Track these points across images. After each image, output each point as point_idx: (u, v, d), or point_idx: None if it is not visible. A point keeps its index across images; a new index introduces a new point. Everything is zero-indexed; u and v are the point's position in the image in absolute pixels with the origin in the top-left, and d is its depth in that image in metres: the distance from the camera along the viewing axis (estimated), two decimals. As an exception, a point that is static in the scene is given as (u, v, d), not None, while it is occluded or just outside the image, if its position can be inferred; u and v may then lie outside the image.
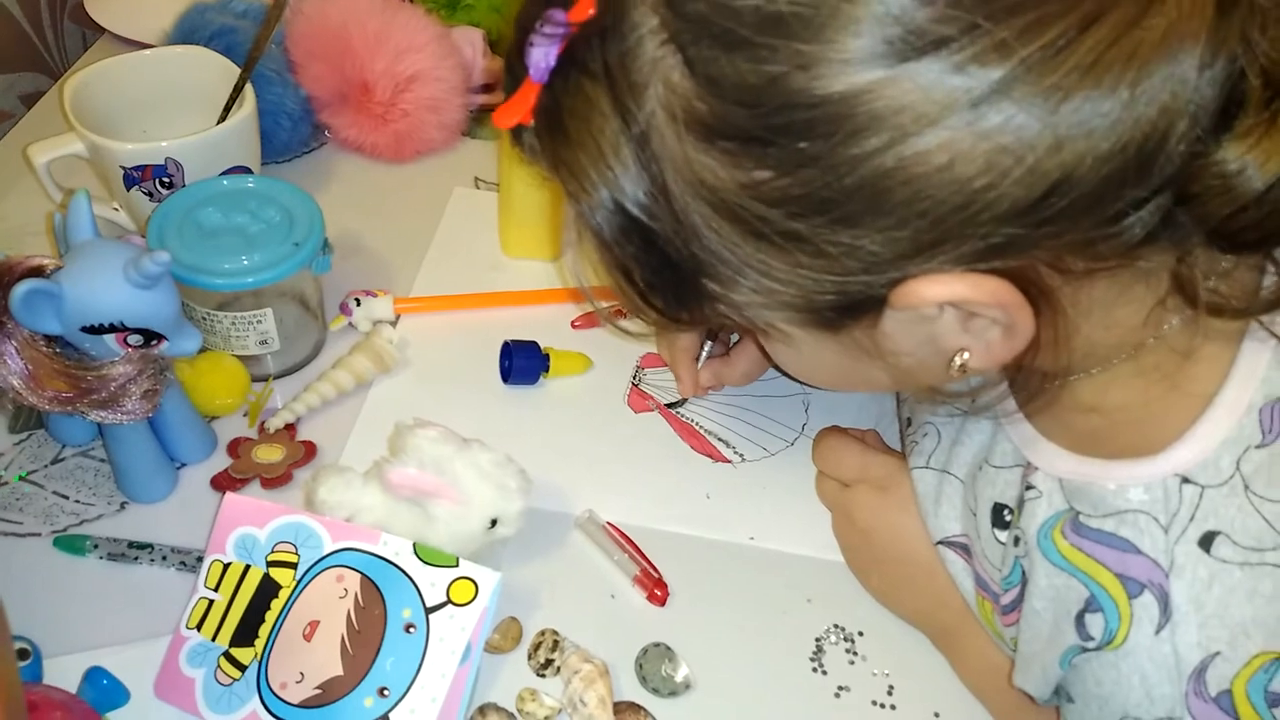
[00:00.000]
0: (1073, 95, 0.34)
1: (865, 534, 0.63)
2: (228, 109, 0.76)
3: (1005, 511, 0.53)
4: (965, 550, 0.58)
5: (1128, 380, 0.46)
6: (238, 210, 0.67)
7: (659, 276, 0.42)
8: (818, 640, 0.61)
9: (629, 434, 0.71)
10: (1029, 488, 0.51)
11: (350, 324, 0.74)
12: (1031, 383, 0.48)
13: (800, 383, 0.68)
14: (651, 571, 0.62)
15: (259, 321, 0.67)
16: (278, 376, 0.71)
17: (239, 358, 0.68)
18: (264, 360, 0.69)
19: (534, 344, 0.72)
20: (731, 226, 0.39)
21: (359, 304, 0.74)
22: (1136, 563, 0.44)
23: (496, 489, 0.57)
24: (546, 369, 0.72)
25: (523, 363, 0.71)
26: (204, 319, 0.66)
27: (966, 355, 0.42)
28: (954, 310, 0.40)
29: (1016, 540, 0.51)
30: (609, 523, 0.65)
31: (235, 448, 0.66)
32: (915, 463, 0.61)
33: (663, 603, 0.62)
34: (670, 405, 0.73)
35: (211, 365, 0.66)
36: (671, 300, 0.43)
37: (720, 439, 0.72)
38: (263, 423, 0.67)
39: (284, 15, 0.85)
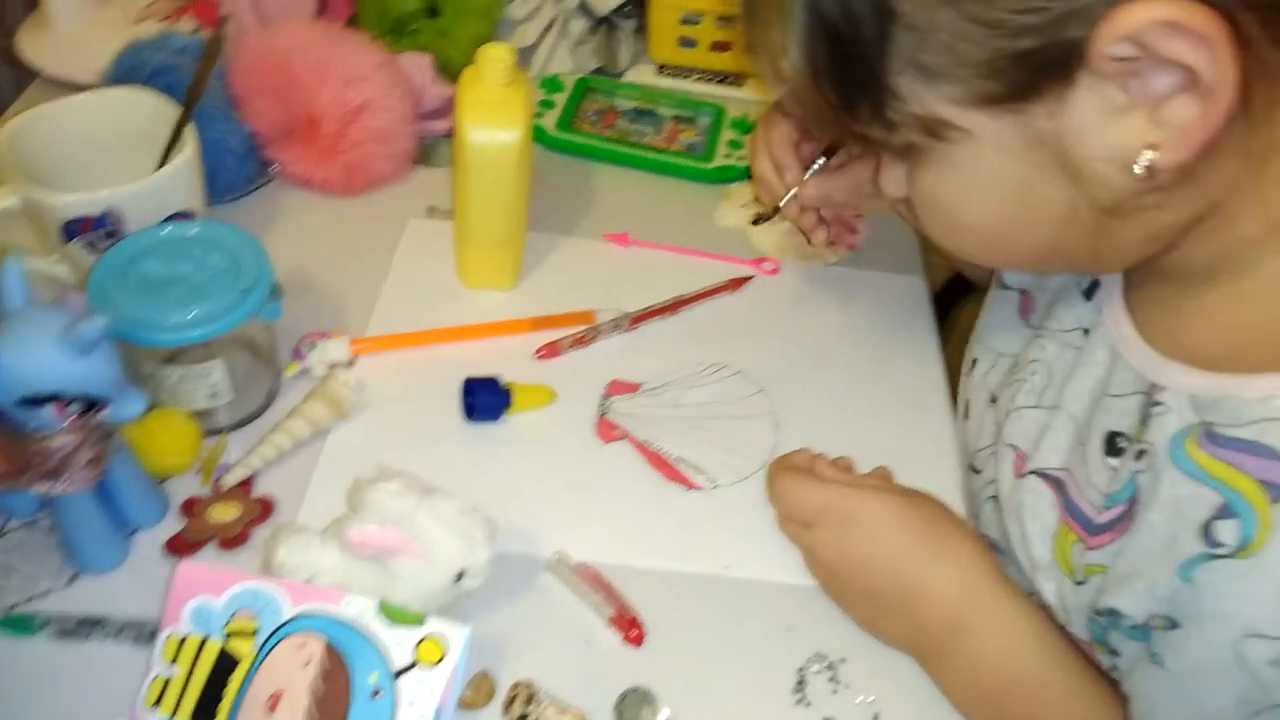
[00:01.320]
0: None
1: (834, 572, 0.62)
2: (169, 151, 0.74)
3: (1120, 439, 0.53)
4: (1057, 484, 0.57)
5: (1267, 290, 0.47)
6: (181, 259, 0.65)
7: (846, 64, 0.44)
8: (800, 671, 0.60)
9: (598, 466, 0.69)
10: (1155, 403, 0.50)
11: (305, 369, 0.72)
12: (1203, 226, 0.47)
13: (934, 246, 0.60)
14: (626, 612, 0.61)
15: (208, 374, 0.65)
16: (231, 429, 0.68)
17: (189, 413, 0.66)
18: (216, 413, 0.67)
19: (495, 380, 0.71)
20: None
21: (313, 347, 0.72)
22: (1278, 468, 0.43)
23: (462, 540, 0.55)
24: (509, 404, 0.70)
25: (484, 400, 0.70)
26: (150, 375, 0.64)
27: (1153, 155, 0.41)
28: (1142, 92, 0.40)
29: (1140, 454, 0.50)
30: (580, 563, 0.63)
31: (189, 508, 0.63)
32: (1023, 401, 0.61)
33: (639, 643, 0.60)
34: (758, 220, 0.75)
35: (160, 424, 0.64)
36: (856, 93, 0.45)
37: (691, 465, 0.70)
38: (217, 480, 0.65)
39: (224, 49, 0.83)
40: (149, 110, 0.75)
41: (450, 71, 0.94)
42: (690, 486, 0.69)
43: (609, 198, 0.91)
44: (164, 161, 0.74)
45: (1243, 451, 0.45)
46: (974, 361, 0.70)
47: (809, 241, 0.79)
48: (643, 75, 1.03)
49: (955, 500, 0.69)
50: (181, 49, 0.84)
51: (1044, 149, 0.44)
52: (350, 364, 0.73)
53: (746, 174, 0.92)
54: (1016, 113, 0.43)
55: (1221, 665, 0.45)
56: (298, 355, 0.72)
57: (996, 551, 0.65)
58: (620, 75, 1.03)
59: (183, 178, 0.71)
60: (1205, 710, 0.47)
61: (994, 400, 0.66)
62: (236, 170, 0.84)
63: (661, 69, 1.03)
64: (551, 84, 0.98)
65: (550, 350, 0.76)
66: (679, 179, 0.93)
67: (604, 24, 1.02)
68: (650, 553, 0.65)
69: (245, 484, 0.65)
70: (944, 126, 0.45)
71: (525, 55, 1.01)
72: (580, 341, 0.76)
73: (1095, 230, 0.47)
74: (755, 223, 0.76)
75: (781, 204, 0.74)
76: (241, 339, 0.67)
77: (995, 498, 0.64)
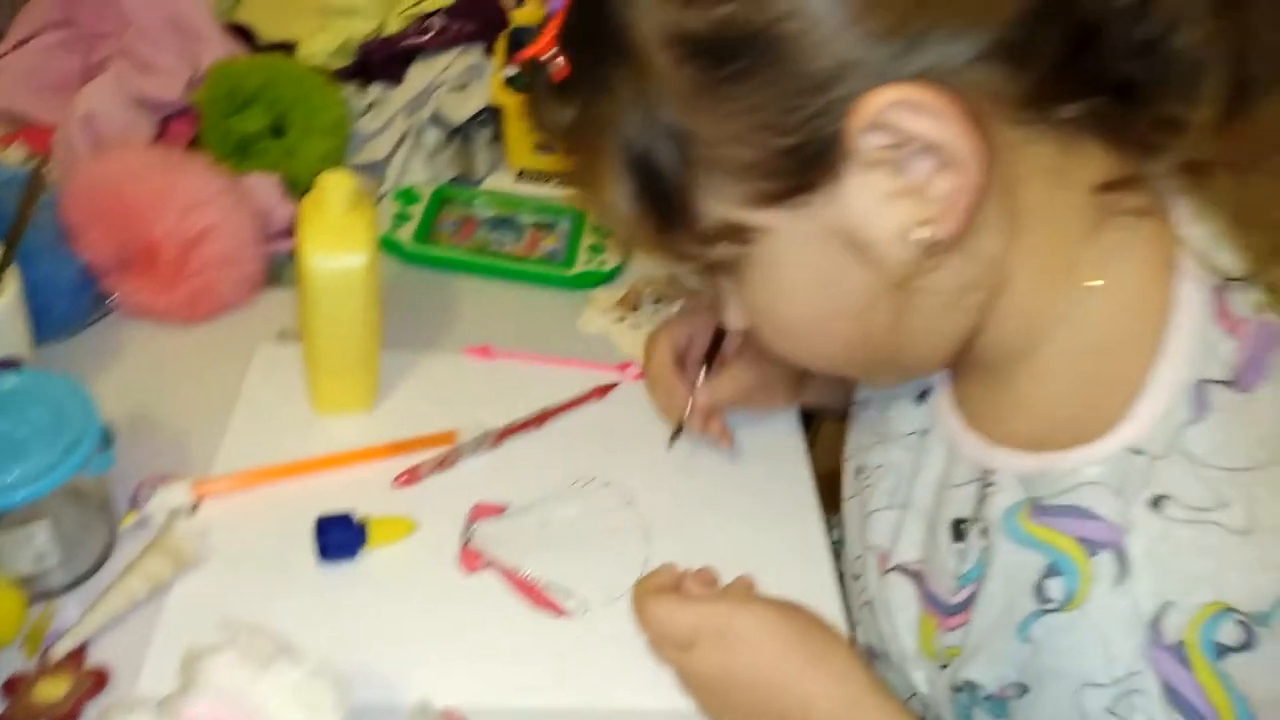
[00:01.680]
0: None
1: (714, 691, 0.61)
2: (-13, 296, 0.70)
3: (963, 524, 0.56)
4: (916, 576, 0.61)
5: (1063, 364, 0.52)
6: (-2, 415, 0.61)
7: (656, 191, 0.49)
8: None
9: (462, 600, 0.67)
10: (988, 484, 0.54)
11: (144, 518, 0.68)
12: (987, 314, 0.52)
13: (774, 357, 0.59)
14: (495, 760, 0.58)
15: (32, 538, 0.60)
16: (64, 590, 0.64)
17: (13, 579, 0.61)
18: (44, 576, 0.63)
19: (347, 516, 0.68)
20: (695, 86, 0.45)
21: (152, 494, 0.67)
22: (1095, 526, 0.48)
23: (307, 711, 0.52)
24: (365, 541, 0.67)
25: (337, 539, 0.66)
26: (-35, 543, 0.60)
27: (927, 230, 0.45)
28: (902, 175, 0.45)
29: (983, 532, 0.54)
30: (446, 708, 0.60)
31: (13, 687, 0.58)
32: (877, 504, 0.65)
33: (510, 793, 0.57)
34: (676, 434, 0.76)
35: (-22, 595, 0.59)
36: (670, 215, 0.49)
37: (561, 588, 0.68)
38: (45, 651, 0.60)
39: (50, 182, 0.80)
40: (-34, 253, 0.71)
41: (299, 190, 0.92)
42: (559, 613, 0.67)
43: (471, 309, 0.89)
44: (-18, 308, 0.70)
45: (1062, 516, 0.49)
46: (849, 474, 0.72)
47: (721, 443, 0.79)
48: (501, 182, 1.03)
49: (833, 607, 0.69)
50: (7, 181, 0.80)
51: (834, 236, 0.48)
52: (194, 509, 0.69)
53: (608, 278, 0.92)
54: (802, 205, 0.47)
55: (1067, 718, 0.48)
56: (135, 503, 0.68)
57: (873, 656, 0.65)
58: (479, 183, 1.02)
59: (4, 325, 0.67)
60: None
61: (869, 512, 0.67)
62: (70, 306, 0.80)
63: (520, 174, 1.03)
64: (407, 196, 0.96)
65: (410, 477, 0.73)
66: (542, 286, 0.92)
67: (459, 133, 1.02)
68: (522, 691, 0.62)
69: (77, 654, 0.60)
70: (744, 230, 0.49)
71: (379, 168, 0.99)
72: (441, 465, 0.74)
73: (898, 314, 0.50)
74: (670, 444, 0.78)
75: (685, 419, 0.76)
76: (70, 492, 0.62)
77: (869, 602, 0.65)
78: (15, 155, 0.96)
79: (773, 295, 0.52)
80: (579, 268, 0.92)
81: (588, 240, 0.94)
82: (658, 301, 0.90)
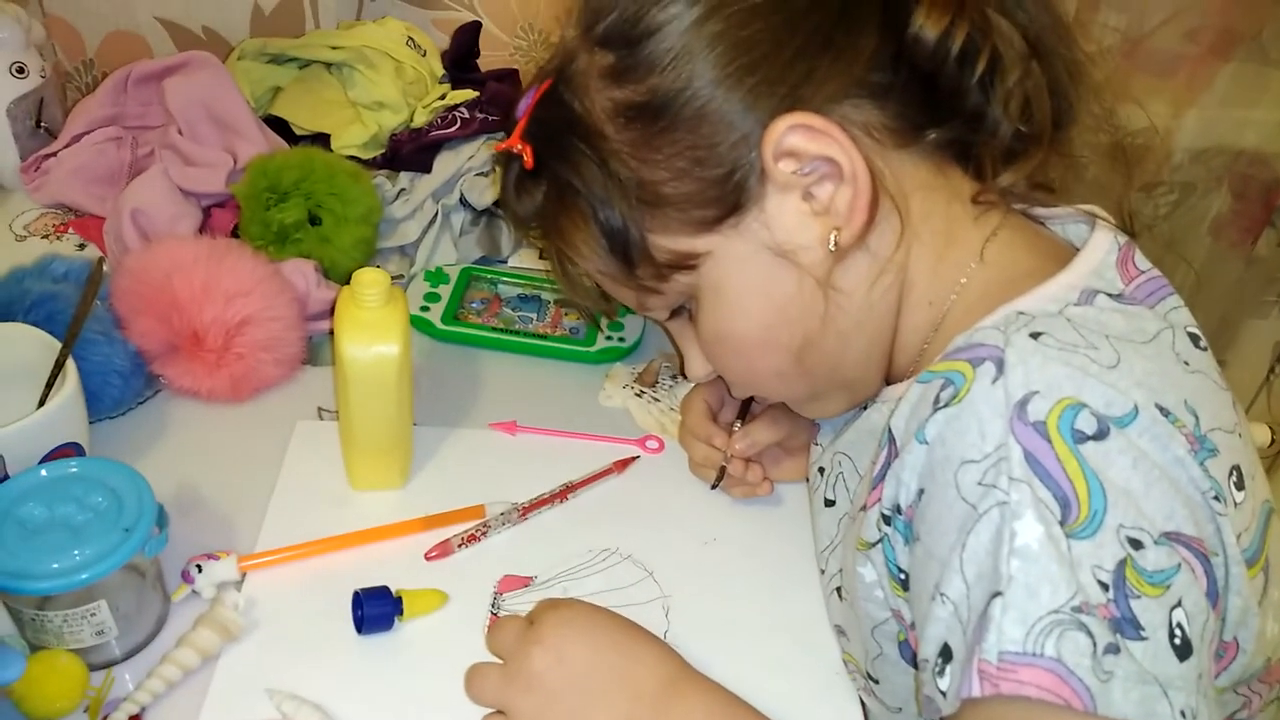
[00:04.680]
0: None
1: (546, 680, 0.64)
2: (49, 386, 0.75)
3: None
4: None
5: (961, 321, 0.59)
6: (61, 500, 0.65)
7: (616, 241, 0.62)
8: None
9: (491, 669, 0.70)
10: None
11: (194, 591, 0.72)
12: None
13: (732, 384, 0.74)
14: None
15: (93, 615, 0.65)
16: (122, 660, 0.68)
17: (75, 650, 0.65)
18: (104, 648, 0.67)
19: (385, 589, 0.72)
20: (638, 141, 0.59)
21: (200, 570, 0.72)
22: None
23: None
24: (400, 612, 0.71)
25: (373, 612, 0.70)
26: (31, 620, 0.64)
27: (836, 234, 0.58)
28: (812, 195, 0.58)
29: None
30: (477, 774, 0.64)
31: (76, 753, 0.63)
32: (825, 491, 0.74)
33: None
34: (719, 478, 0.82)
35: (45, 669, 0.63)
36: (632, 258, 0.62)
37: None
38: (105, 717, 0.64)
39: (105, 276, 0.85)
40: (29, 346, 0.76)
41: (336, 274, 0.97)
42: (584, 680, 0.70)
43: (497, 385, 0.94)
44: (46, 396, 0.75)
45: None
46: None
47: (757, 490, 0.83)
48: (525, 259, 1.08)
49: (845, 673, 0.72)
50: (63, 275, 0.86)
51: (764, 249, 0.60)
52: (239, 583, 0.73)
53: (626, 354, 0.97)
54: (735, 226, 0.60)
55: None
56: (186, 578, 0.72)
57: (843, 635, 0.71)
58: (504, 261, 1.07)
59: (64, 414, 0.72)
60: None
61: (829, 503, 0.73)
62: (123, 389, 0.84)
63: (542, 254, 1.08)
64: (436, 276, 1.02)
65: (441, 551, 0.77)
66: (564, 361, 0.96)
67: (485, 215, 1.07)
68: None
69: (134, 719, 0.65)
70: (693, 257, 0.62)
71: (409, 250, 1.04)
72: (471, 539, 0.78)
73: (828, 314, 0.61)
74: (713, 487, 0.84)
75: (728, 464, 0.81)
76: (128, 569, 0.67)
77: (839, 589, 0.70)
78: (68, 244, 1.02)
79: (723, 315, 0.64)
80: (599, 345, 0.96)
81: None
82: (674, 378, 0.94)
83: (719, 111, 0.57)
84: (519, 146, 0.65)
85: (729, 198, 0.59)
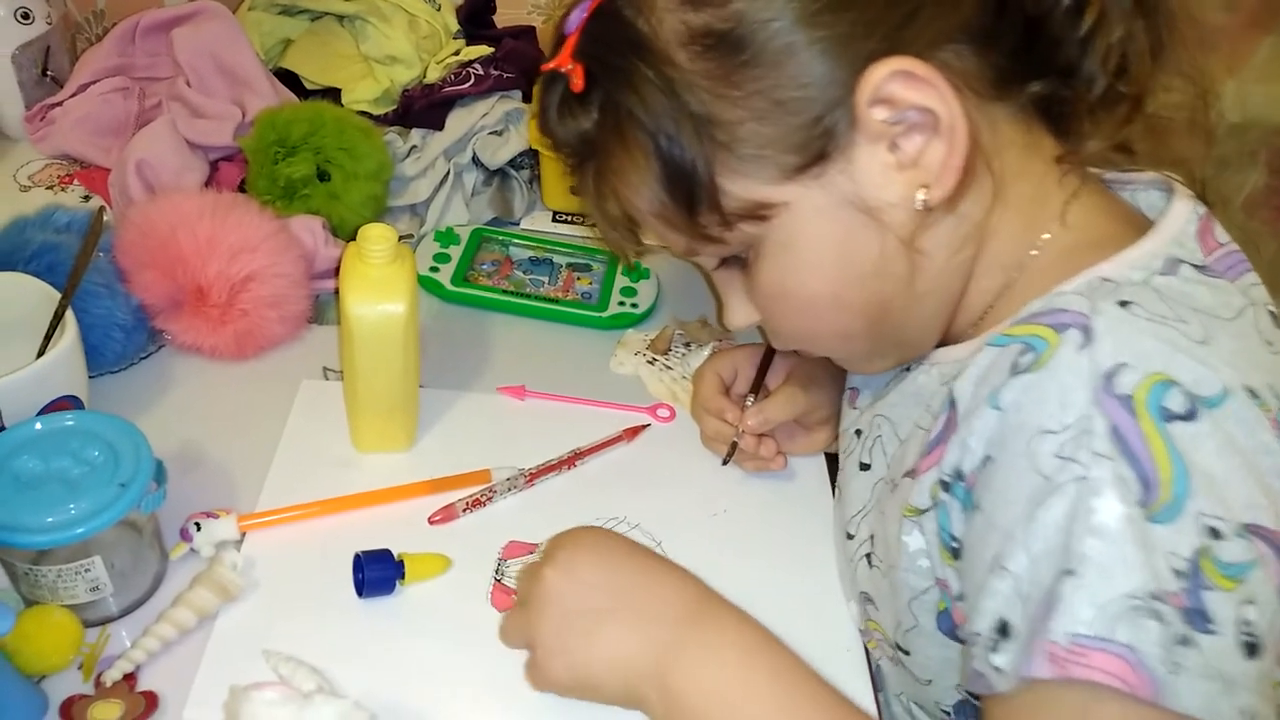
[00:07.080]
0: None
1: (562, 596, 0.61)
2: (48, 338, 0.74)
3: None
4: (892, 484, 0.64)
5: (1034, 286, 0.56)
6: (57, 453, 0.64)
7: (682, 182, 0.55)
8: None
9: (493, 636, 0.69)
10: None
11: (192, 549, 0.71)
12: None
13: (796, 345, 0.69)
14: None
15: (87, 570, 0.63)
16: (118, 617, 0.67)
17: (70, 606, 0.64)
18: (99, 604, 0.66)
19: (387, 552, 0.70)
20: (715, 76, 0.53)
21: (199, 528, 0.70)
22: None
23: (345, 745, 0.54)
24: (402, 576, 0.70)
25: (375, 575, 0.69)
26: (26, 574, 0.63)
27: (925, 193, 0.54)
28: (902, 147, 0.53)
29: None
30: (477, 742, 0.62)
31: (69, 709, 0.61)
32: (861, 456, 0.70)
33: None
34: (730, 453, 0.80)
35: (38, 623, 0.62)
36: (697, 203, 0.56)
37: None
38: (99, 675, 0.63)
39: (107, 227, 0.84)
40: (29, 295, 0.75)
41: (344, 232, 0.95)
42: (588, 650, 0.69)
43: (507, 349, 0.92)
44: (44, 348, 0.73)
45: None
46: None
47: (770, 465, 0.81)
48: (538, 222, 1.06)
49: (859, 651, 0.70)
50: (65, 225, 0.84)
51: (848, 204, 0.55)
52: (239, 542, 0.72)
53: (639, 320, 0.95)
54: (818, 177, 0.54)
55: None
56: (184, 536, 0.71)
57: (869, 604, 0.69)
58: (517, 223, 1.05)
59: (62, 366, 0.71)
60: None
61: (864, 467, 0.70)
62: (125, 343, 0.83)
63: (555, 216, 1.06)
64: (447, 237, 1.00)
65: (445, 515, 0.75)
66: (576, 326, 0.94)
67: (498, 175, 1.05)
68: (550, 726, 0.64)
69: (129, 678, 0.63)
70: (766, 207, 0.56)
71: (420, 210, 1.02)
72: (476, 504, 0.76)
73: (907, 276, 0.57)
74: (724, 462, 0.81)
75: (738, 438, 0.79)
76: (124, 525, 0.65)
77: (869, 555, 0.68)
78: (73, 195, 1.00)
79: (791, 273, 0.58)
80: (611, 310, 0.94)
81: (620, 282, 0.97)
82: (687, 345, 0.92)
83: (810, 49, 0.51)
84: (569, 65, 0.57)
85: (814, 145, 0.53)
